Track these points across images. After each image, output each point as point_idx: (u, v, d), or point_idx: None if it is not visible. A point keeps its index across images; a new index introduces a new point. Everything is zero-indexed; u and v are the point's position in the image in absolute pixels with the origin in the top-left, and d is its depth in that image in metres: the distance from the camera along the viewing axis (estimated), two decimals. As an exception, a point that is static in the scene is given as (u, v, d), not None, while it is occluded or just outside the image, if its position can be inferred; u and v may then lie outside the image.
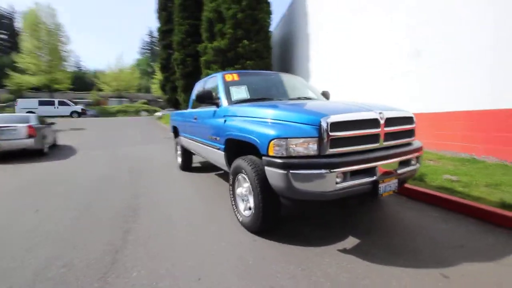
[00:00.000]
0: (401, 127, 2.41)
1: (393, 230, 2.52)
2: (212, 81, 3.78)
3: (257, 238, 2.42)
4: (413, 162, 2.50)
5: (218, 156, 3.15)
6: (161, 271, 1.98)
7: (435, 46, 5.25)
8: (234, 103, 3.10)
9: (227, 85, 3.34)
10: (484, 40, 4.49)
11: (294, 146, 2.02)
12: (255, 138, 2.25)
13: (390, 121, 2.29)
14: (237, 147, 2.85)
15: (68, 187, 4.33)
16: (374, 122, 2.18)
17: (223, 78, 3.46)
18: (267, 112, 2.38)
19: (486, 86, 4.54)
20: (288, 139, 2.03)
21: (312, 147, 2.00)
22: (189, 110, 4.59)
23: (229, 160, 2.95)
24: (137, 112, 30.90)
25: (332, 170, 1.95)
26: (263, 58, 12.05)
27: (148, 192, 4.01)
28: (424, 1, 5.52)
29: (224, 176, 4.86)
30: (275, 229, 2.52)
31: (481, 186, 3.34)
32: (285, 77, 3.88)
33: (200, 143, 3.72)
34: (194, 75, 15.11)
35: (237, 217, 2.69)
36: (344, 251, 2.16)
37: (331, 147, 2.01)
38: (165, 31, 18.22)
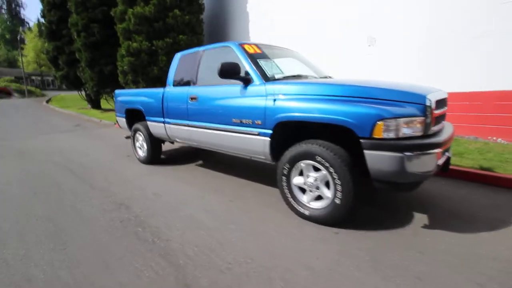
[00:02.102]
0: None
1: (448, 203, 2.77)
2: (221, 52, 3.10)
3: (336, 230, 2.21)
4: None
5: (254, 144, 2.65)
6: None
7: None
8: (272, 80, 2.62)
9: (253, 58, 2.79)
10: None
11: (404, 126, 1.87)
12: (348, 119, 1.96)
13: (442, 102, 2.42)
14: (291, 132, 2.47)
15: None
16: (445, 102, 2.26)
17: (244, 49, 2.86)
18: (350, 89, 2.10)
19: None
20: (398, 119, 1.86)
21: (419, 127, 1.91)
22: (174, 88, 3.66)
23: (273, 147, 2.54)
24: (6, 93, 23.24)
25: (437, 150, 1.92)
26: (197, 34, 10.94)
27: (144, 208, 3.06)
28: None
29: (216, 165, 4.25)
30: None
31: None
32: (298, 54, 3.55)
33: (212, 129, 3.03)
34: (105, 46, 12.35)
35: (299, 211, 2.38)
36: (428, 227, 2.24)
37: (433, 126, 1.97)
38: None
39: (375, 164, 1.93)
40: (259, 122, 2.54)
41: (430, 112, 1.93)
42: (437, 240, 2.04)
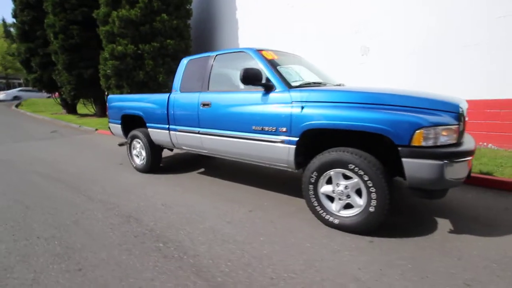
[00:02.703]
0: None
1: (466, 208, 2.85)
2: (235, 58, 3.02)
3: (369, 238, 2.18)
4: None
5: (277, 151, 2.57)
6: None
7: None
8: (295, 87, 2.58)
9: (273, 65, 2.74)
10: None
11: (443, 134, 1.90)
12: (387, 127, 1.96)
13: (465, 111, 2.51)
14: (315, 140, 2.44)
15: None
16: (466, 111, 2.35)
17: (262, 55, 2.81)
18: (386, 98, 2.10)
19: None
20: (436, 127, 1.89)
21: (454, 135, 1.95)
22: (181, 94, 3.50)
23: (297, 155, 2.49)
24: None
25: (469, 157, 1.98)
26: (185, 39, 10.76)
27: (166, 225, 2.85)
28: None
29: (219, 172, 4.11)
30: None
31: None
32: (306, 60, 3.55)
33: (229, 137, 2.92)
34: (85, 49, 11.74)
35: (328, 220, 2.33)
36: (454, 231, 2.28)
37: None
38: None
39: (414, 171, 1.94)
40: (284, 129, 2.48)
41: (463, 120, 1.99)
42: (467, 245, 2.08)
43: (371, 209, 2.11)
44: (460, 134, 1.99)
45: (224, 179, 3.90)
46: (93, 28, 10.69)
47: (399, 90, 2.33)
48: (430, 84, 5.13)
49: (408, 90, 2.32)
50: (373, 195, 2.08)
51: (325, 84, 2.89)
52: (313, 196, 2.40)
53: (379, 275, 1.76)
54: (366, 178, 2.09)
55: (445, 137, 1.92)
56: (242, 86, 3.12)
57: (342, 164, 2.19)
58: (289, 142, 2.48)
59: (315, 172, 2.35)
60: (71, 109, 13.93)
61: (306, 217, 2.59)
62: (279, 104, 2.52)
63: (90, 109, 13.16)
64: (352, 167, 2.14)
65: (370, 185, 2.08)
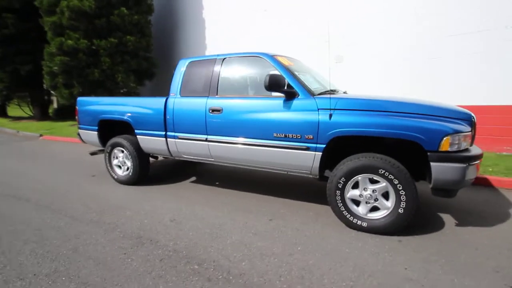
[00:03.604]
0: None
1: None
2: (248, 63, 2.92)
3: (397, 238, 2.33)
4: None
5: (301, 159, 2.57)
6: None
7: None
8: (319, 95, 2.61)
9: (292, 71, 2.72)
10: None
11: (463, 140, 2.13)
12: (419, 135, 2.12)
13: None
14: (340, 146, 2.51)
15: None
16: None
17: (279, 61, 2.77)
18: (414, 107, 2.29)
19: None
20: (459, 134, 2.11)
21: (469, 141, 2.21)
22: (183, 98, 3.23)
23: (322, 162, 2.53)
24: None
25: (480, 160, 2.26)
26: (146, 35, 10.05)
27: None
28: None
29: (214, 180, 3.94)
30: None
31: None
32: (309, 66, 3.61)
33: (245, 144, 2.79)
34: (22, 42, 10.02)
35: (356, 224, 2.41)
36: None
37: (472, 140, 2.31)
38: None
39: (441, 174, 2.14)
40: (311, 136, 2.49)
41: (475, 127, 2.27)
42: (476, 237, 2.36)
43: (400, 211, 2.26)
44: (473, 139, 2.28)
45: (224, 187, 3.73)
46: (33, 18, 9.23)
47: (418, 100, 2.56)
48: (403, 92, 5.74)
49: (422, 100, 2.56)
50: (403, 197, 2.23)
51: (337, 92, 3.00)
52: (340, 201, 2.46)
53: (425, 272, 1.89)
54: (396, 182, 2.23)
55: (464, 142, 2.17)
56: (253, 91, 3.05)
57: (372, 169, 2.29)
58: (315, 149, 2.50)
59: (342, 178, 2.41)
60: (0, 111, 11.74)
61: (327, 222, 2.65)
62: (304, 111, 2.52)
63: (27, 111, 11.28)
64: (382, 172, 2.26)
65: (400, 188, 2.22)
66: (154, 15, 10.64)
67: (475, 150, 2.26)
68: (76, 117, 4.22)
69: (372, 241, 2.30)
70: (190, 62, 3.31)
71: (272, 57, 2.81)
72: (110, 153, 3.92)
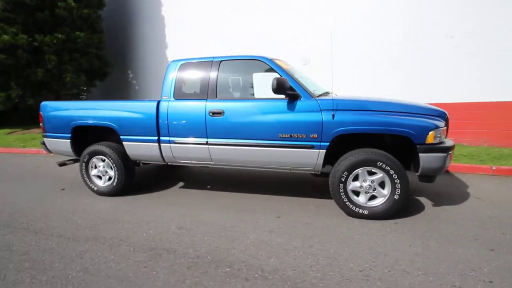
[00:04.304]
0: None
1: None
2: (247, 66, 2.98)
3: (395, 221, 2.66)
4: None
5: (306, 157, 2.75)
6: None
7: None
8: (319, 96, 2.81)
9: (292, 74, 2.87)
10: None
11: (442, 134, 2.55)
12: (410, 130, 2.48)
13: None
14: (343, 143, 2.76)
15: None
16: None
17: (279, 65, 2.89)
18: (403, 107, 2.66)
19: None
20: (439, 129, 2.53)
21: (444, 134, 2.65)
22: (179, 101, 3.12)
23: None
24: None
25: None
26: (97, 32, 9.20)
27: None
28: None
29: (203, 184, 3.92)
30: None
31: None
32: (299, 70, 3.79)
33: (250, 146, 2.85)
34: None
35: (358, 212, 2.69)
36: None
37: (443, 134, 2.78)
38: None
39: (427, 163, 2.53)
40: (315, 135, 2.68)
41: (448, 123, 2.72)
42: (452, 213, 2.82)
43: (396, 197, 2.60)
44: (446, 133, 2.73)
45: (216, 190, 3.73)
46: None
47: (398, 99, 2.94)
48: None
49: (403, 100, 2.96)
50: (398, 185, 2.57)
51: (330, 93, 3.26)
52: (343, 194, 2.71)
53: (426, 246, 2.23)
54: (392, 172, 2.56)
55: (442, 136, 2.60)
56: (252, 94, 3.12)
57: (372, 162, 2.59)
58: (320, 147, 2.70)
59: (345, 172, 2.66)
60: None
61: (330, 213, 2.89)
62: (309, 112, 2.70)
63: None
64: (380, 164, 2.57)
65: (395, 177, 2.56)
66: (106, 9, 9.78)
67: (449, 142, 2.73)
68: (41, 124, 3.72)
69: (375, 226, 2.60)
70: (182, 64, 3.21)
71: (272, 61, 2.92)
72: (87, 163, 3.57)
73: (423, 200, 3.22)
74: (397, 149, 2.83)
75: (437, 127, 2.53)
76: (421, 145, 2.52)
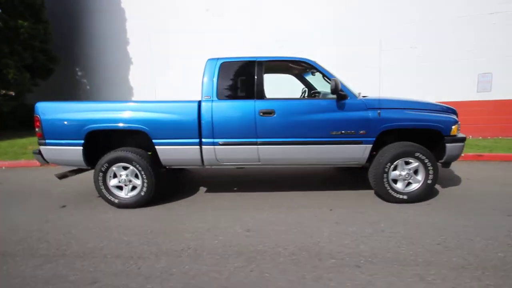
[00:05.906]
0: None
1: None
2: (290, 66, 3.09)
3: (427, 202, 3.12)
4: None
5: (354, 151, 3.02)
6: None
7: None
8: (362, 96, 3.11)
9: (331, 74, 3.09)
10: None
11: (459, 127, 3.13)
12: (441, 125, 2.97)
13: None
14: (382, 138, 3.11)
15: None
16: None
17: (323, 67, 3.07)
18: (431, 105, 3.19)
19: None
20: (458, 123, 3.09)
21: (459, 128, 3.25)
22: (223, 102, 3.01)
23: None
24: None
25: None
26: (42, 21, 7.87)
27: None
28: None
29: (224, 186, 3.88)
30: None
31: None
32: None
33: (302, 144, 2.95)
34: None
35: (398, 198, 3.06)
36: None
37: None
38: None
39: (451, 151, 3.06)
40: (364, 132, 2.96)
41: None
42: (468, 193, 3.44)
43: (429, 181, 3.07)
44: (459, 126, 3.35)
45: (245, 191, 3.70)
46: None
47: (424, 99, 3.47)
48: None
49: (425, 99, 3.50)
50: (431, 172, 3.04)
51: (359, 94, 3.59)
52: (387, 183, 3.06)
53: (468, 219, 2.70)
54: (426, 161, 3.01)
55: (459, 129, 3.19)
56: (297, 94, 3.23)
57: (410, 154, 3.00)
58: (367, 142, 3.00)
59: (388, 163, 3.01)
60: None
61: (373, 202, 3.22)
62: (357, 111, 2.97)
63: None
64: (417, 155, 3.00)
65: (429, 165, 3.02)
66: None
67: (461, 134, 3.35)
68: (37, 130, 3.07)
69: (412, 208, 3.01)
70: (223, 63, 3.10)
71: (317, 63, 3.09)
72: (105, 172, 3.11)
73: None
74: (419, 141, 3.33)
75: (456, 121, 3.11)
76: (448, 136, 3.05)
